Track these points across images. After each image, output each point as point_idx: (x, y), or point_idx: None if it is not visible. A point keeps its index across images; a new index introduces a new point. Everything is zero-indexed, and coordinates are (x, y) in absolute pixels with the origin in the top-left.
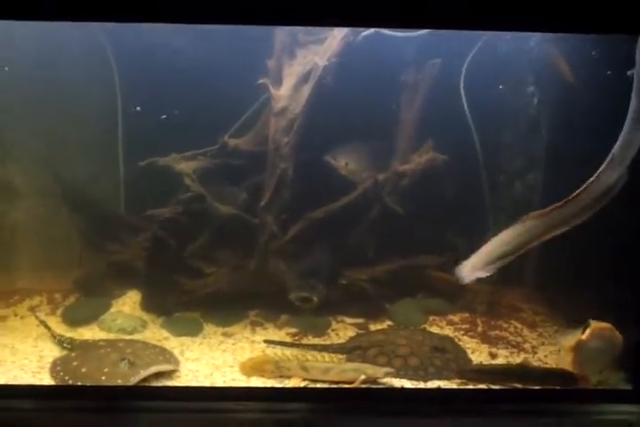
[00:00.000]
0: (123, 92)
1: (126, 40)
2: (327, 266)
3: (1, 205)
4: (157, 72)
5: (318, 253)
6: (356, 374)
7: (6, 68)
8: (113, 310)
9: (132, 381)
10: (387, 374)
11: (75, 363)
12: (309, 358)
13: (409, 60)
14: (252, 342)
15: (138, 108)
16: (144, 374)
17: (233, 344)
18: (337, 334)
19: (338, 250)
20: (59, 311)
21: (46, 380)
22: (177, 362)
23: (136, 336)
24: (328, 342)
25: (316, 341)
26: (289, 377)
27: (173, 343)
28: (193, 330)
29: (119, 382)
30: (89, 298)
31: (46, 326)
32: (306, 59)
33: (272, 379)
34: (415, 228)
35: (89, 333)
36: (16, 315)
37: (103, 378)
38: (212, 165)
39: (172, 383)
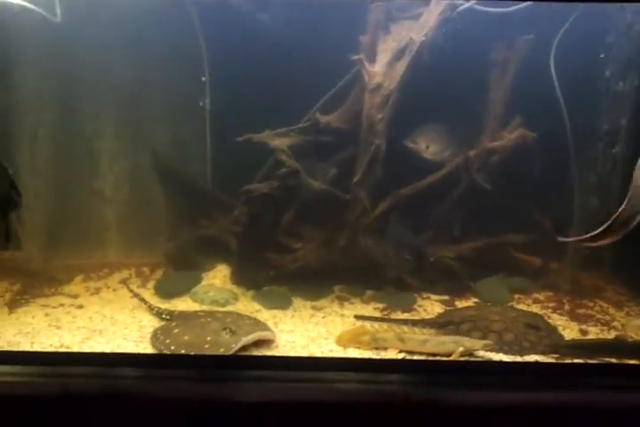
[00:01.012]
0: (211, 68)
1: (215, 13)
2: (414, 243)
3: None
4: (247, 47)
5: (406, 230)
6: (453, 346)
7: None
8: (204, 283)
9: (234, 348)
10: (485, 347)
11: (176, 331)
12: (405, 330)
13: (501, 37)
14: (342, 315)
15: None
16: (246, 340)
17: (323, 317)
18: (425, 310)
19: (425, 227)
20: (150, 284)
21: (148, 349)
22: (273, 333)
23: (228, 308)
24: (417, 318)
25: (405, 316)
26: (385, 349)
27: (265, 316)
28: (283, 303)
29: (222, 350)
30: (179, 272)
31: (142, 299)
32: (400, 35)
33: (368, 350)
34: (502, 205)
35: (182, 304)
36: (108, 287)
37: (206, 346)
38: (304, 141)
39: (270, 354)
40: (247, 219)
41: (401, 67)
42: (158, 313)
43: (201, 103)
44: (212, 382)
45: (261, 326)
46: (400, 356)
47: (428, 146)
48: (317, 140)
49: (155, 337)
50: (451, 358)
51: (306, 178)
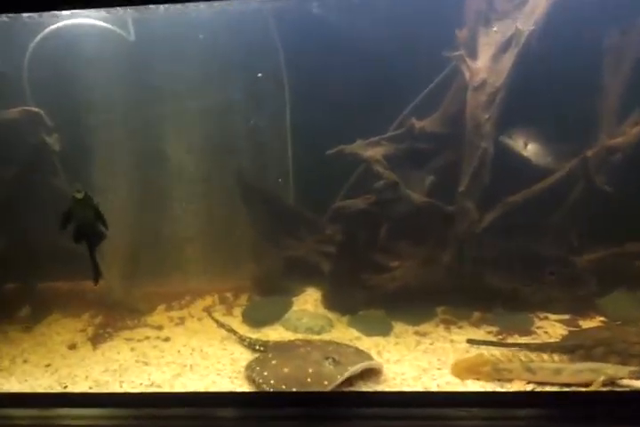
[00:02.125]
0: (291, 76)
1: (294, 17)
2: (527, 256)
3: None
4: (329, 51)
5: (517, 242)
6: (593, 374)
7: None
8: (295, 308)
9: (340, 379)
10: (632, 374)
11: (274, 362)
12: (533, 358)
13: (616, 20)
14: (452, 341)
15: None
16: (353, 370)
17: (431, 344)
18: (546, 332)
19: (538, 238)
20: (236, 311)
21: (245, 385)
22: (380, 363)
23: (324, 336)
24: (539, 342)
25: (524, 340)
26: (510, 380)
27: (366, 344)
28: (383, 329)
29: (325, 382)
30: (267, 297)
31: (231, 330)
32: (504, 25)
33: (490, 382)
34: (625, 211)
35: (274, 333)
36: (192, 316)
37: (309, 380)
38: (397, 149)
39: (381, 388)
40: (342, 238)
41: (507, 61)
42: (251, 344)
43: (251, 121)
44: (321, 422)
45: (365, 355)
46: (529, 387)
47: (526, 143)
48: (412, 148)
49: (251, 370)
50: (590, 389)
51: (405, 190)
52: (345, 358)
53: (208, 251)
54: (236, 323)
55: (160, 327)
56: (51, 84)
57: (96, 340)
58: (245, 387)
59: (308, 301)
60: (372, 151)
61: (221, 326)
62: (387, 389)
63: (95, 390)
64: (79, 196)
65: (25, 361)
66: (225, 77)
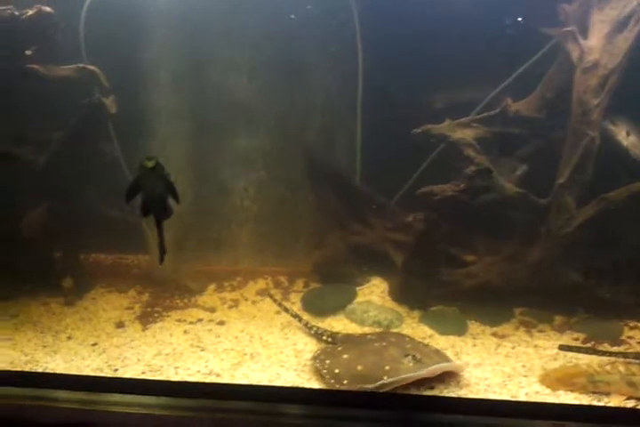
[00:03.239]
0: (366, 49)
1: None
2: (623, 259)
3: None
4: (410, 23)
5: (615, 244)
6: None
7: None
8: (360, 299)
9: (416, 375)
10: None
11: (345, 356)
12: (635, 371)
13: None
14: (536, 346)
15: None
16: (435, 368)
17: (513, 348)
18: (639, 343)
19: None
20: (293, 297)
21: (313, 380)
22: (461, 365)
23: (393, 331)
24: (634, 351)
25: (616, 349)
26: (607, 393)
27: (441, 343)
28: (458, 328)
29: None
30: (330, 285)
31: (296, 316)
32: (622, 1)
33: (584, 394)
34: None
35: (338, 324)
36: (246, 299)
37: (385, 377)
38: (487, 133)
39: (464, 394)
40: (423, 226)
41: (624, 41)
42: (317, 334)
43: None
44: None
45: (443, 355)
46: (630, 404)
47: (628, 133)
48: (502, 132)
49: (320, 364)
50: None
51: (498, 178)
52: (427, 357)
53: (264, 231)
54: (296, 310)
55: (212, 309)
56: (108, 41)
57: (145, 319)
58: (314, 382)
59: (374, 292)
60: (462, 133)
61: (285, 310)
62: (471, 395)
63: (149, 375)
64: (149, 164)
65: (69, 338)
66: (297, 56)
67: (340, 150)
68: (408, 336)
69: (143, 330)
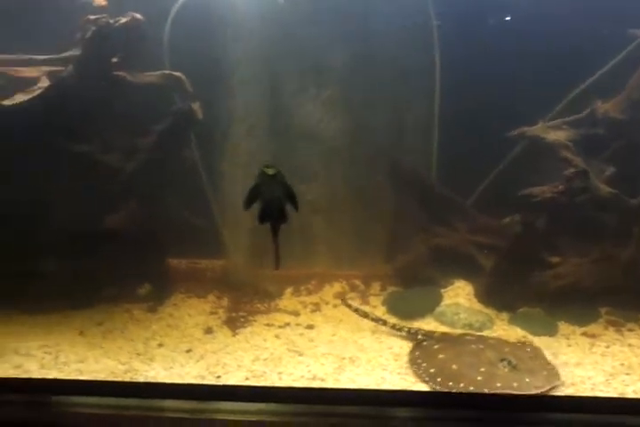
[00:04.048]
0: (445, 46)
1: None
2: None
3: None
4: (488, 21)
5: None
6: None
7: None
8: (446, 302)
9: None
10: None
11: (441, 356)
12: None
13: None
14: (630, 345)
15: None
16: (543, 388)
17: (607, 347)
18: None
19: None
20: (373, 301)
21: (419, 383)
22: (555, 370)
23: (486, 333)
24: None
25: None
26: None
27: (535, 343)
28: (548, 329)
29: (498, 384)
30: (413, 288)
31: (378, 320)
32: None
33: None
34: None
35: (428, 327)
36: (327, 303)
37: (479, 378)
38: (577, 134)
39: (570, 392)
40: (520, 229)
41: None
42: (411, 334)
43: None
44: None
45: (542, 360)
46: None
47: None
48: (590, 133)
49: (417, 366)
50: None
51: (594, 180)
52: (523, 363)
53: (339, 233)
54: (380, 314)
55: (296, 313)
56: (192, 48)
57: (232, 324)
58: (421, 385)
59: (460, 294)
60: (555, 135)
61: (365, 316)
62: (578, 393)
63: (253, 381)
64: (270, 172)
65: (160, 345)
66: (372, 56)
67: (417, 152)
68: (509, 341)
69: (234, 335)
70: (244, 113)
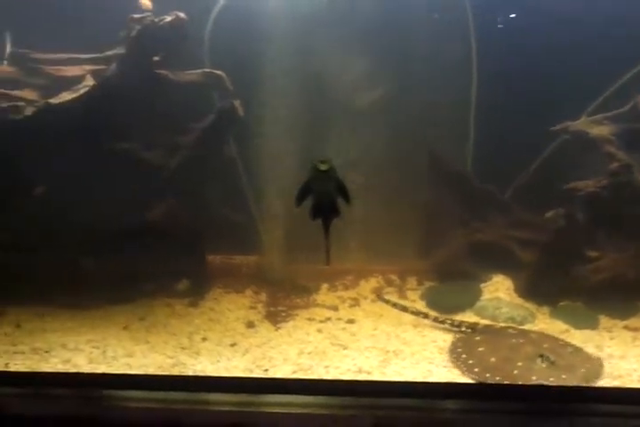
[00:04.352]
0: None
1: None
2: None
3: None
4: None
5: None
6: None
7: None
8: (486, 296)
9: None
10: None
11: (480, 349)
12: None
13: None
14: None
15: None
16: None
17: None
18: None
19: None
20: (411, 295)
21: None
22: (599, 362)
23: (528, 327)
24: None
25: None
26: None
27: (578, 337)
28: (589, 322)
29: (533, 379)
30: (452, 283)
31: (419, 313)
32: None
33: None
34: None
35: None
36: (365, 298)
37: (515, 372)
38: (618, 129)
39: (617, 384)
40: (563, 223)
41: None
42: (454, 326)
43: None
44: (551, 418)
45: (582, 355)
46: None
47: None
48: (631, 128)
49: (455, 353)
50: None
51: (636, 174)
52: (562, 359)
53: (374, 228)
54: (420, 308)
55: (335, 308)
56: (233, 46)
57: (273, 318)
58: (468, 377)
59: (499, 289)
60: (598, 130)
61: (404, 309)
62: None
63: (300, 374)
64: (323, 167)
65: (204, 339)
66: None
67: (453, 146)
68: (551, 335)
69: (276, 329)
70: (283, 111)
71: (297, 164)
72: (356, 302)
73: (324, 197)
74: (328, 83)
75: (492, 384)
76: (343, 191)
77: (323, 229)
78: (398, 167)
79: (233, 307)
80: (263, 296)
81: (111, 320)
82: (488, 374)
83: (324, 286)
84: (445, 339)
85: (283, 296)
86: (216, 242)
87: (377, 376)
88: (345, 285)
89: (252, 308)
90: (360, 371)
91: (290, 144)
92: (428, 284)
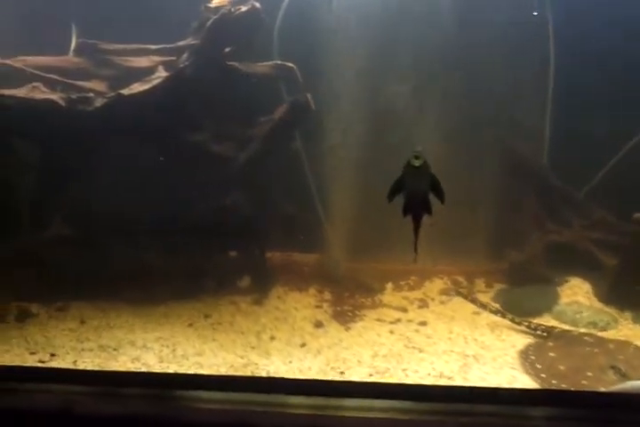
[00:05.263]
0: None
1: None
2: None
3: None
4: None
5: None
6: None
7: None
8: (565, 300)
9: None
10: None
11: (551, 354)
12: None
13: None
14: None
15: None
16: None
17: None
18: None
19: None
20: (481, 298)
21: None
22: None
23: (611, 333)
24: None
25: None
26: None
27: None
28: None
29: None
30: (527, 286)
31: (498, 312)
32: None
33: None
34: None
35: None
36: (432, 299)
37: (584, 382)
38: None
39: None
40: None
41: None
42: (530, 329)
43: None
44: None
45: None
46: None
47: None
48: None
49: (525, 355)
50: None
51: None
52: (636, 372)
53: (440, 230)
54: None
55: (404, 309)
56: (304, 38)
57: (341, 318)
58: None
59: (578, 293)
60: None
61: (483, 307)
62: None
63: (377, 378)
64: (417, 163)
65: (272, 338)
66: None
67: (530, 143)
68: (632, 346)
69: (346, 330)
70: (350, 107)
71: (366, 162)
72: (424, 304)
73: (416, 194)
74: (399, 76)
75: (582, 392)
76: (438, 189)
77: (413, 226)
78: (469, 165)
79: (298, 306)
80: (327, 295)
81: (176, 317)
82: (555, 381)
83: (389, 285)
84: (524, 343)
85: (347, 296)
86: (277, 239)
87: (459, 382)
88: (410, 285)
89: (317, 307)
90: (441, 376)
91: (357, 141)
92: (498, 286)
